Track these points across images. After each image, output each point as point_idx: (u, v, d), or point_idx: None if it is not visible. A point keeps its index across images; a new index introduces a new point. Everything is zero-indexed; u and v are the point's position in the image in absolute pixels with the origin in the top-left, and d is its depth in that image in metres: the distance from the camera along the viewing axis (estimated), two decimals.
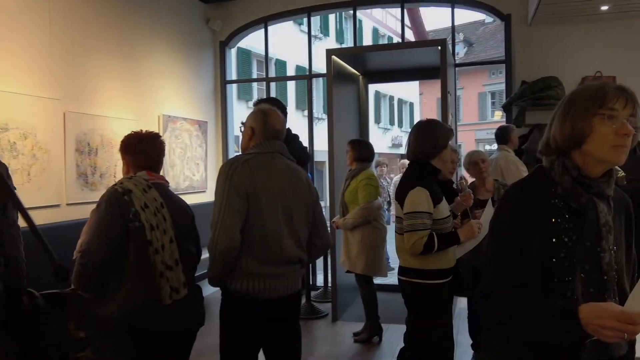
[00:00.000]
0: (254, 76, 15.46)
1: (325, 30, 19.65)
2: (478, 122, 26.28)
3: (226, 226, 2.19)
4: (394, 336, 4.84)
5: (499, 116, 21.66)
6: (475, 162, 4.07)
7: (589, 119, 1.41)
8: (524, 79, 5.95)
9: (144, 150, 2.36)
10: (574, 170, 1.45)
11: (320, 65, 7.12)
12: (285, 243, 2.33)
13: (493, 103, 26.70)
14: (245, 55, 14.72)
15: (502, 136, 5.22)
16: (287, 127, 2.72)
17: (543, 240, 1.43)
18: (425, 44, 6.53)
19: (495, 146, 5.41)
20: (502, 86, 6.67)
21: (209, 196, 6.64)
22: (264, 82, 7.57)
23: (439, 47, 5.28)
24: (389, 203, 9.17)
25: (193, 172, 6.35)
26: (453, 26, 6.55)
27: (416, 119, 22.78)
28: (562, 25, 5.84)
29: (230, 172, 2.26)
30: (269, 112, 2.44)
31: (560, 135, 1.46)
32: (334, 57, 5.63)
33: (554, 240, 1.43)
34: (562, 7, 5.36)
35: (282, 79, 16.02)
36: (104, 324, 2.03)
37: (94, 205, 2.24)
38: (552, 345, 1.39)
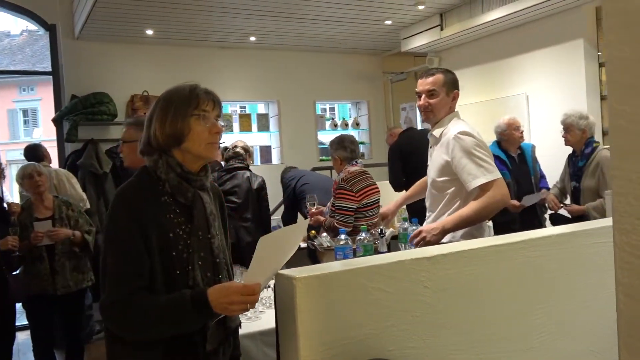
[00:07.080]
0: None
1: None
2: (9, 142, 23.94)
3: None
4: None
5: (38, 135, 20.30)
6: (24, 179, 3.76)
7: (187, 120, 1.53)
8: (75, 92, 5.81)
9: None
10: (177, 167, 1.53)
11: None
12: None
13: (25, 121, 24.91)
14: None
15: (35, 153, 4.84)
16: None
17: (161, 237, 1.47)
18: None
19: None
20: (36, 104, 6.36)
21: None
22: None
23: None
24: None
25: None
26: None
27: None
28: (112, 43, 5.98)
29: None
30: None
31: (162, 134, 1.52)
32: None
33: (171, 235, 1.49)
34: (109, 25, 5.48)
35: None
36: None
37: None
38: (181, 334, 1.43)
